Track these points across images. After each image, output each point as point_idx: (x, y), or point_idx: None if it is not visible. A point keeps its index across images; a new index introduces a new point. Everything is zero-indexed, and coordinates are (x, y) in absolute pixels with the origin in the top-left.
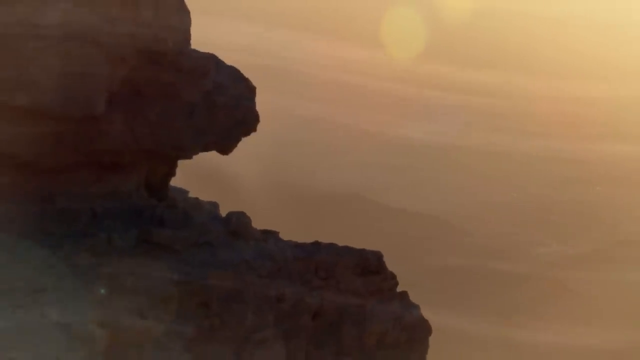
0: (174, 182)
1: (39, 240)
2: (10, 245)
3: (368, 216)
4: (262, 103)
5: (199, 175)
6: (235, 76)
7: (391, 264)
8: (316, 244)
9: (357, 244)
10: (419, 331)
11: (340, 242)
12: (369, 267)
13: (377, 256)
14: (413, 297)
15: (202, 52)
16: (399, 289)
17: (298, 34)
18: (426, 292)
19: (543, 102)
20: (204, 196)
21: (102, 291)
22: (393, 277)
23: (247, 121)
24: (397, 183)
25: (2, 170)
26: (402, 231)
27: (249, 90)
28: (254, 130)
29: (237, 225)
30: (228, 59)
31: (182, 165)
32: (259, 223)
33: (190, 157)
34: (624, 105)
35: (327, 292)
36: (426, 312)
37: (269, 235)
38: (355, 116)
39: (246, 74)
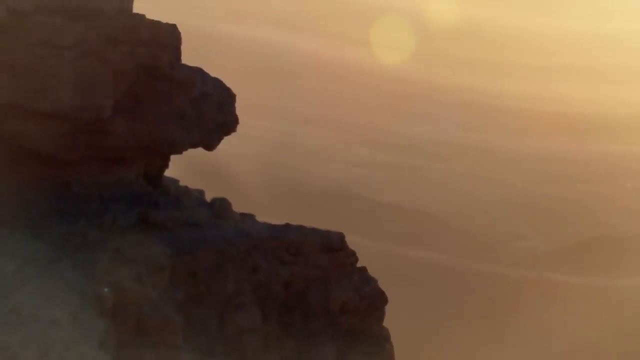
0: (182, 178)
1: (58, 219)
2: (34, 223)
3: (358, 211)
4: (261, 104)
5: (203, 173)
6: (218, 86)
7: (380, 257)
8: (287, 225)
9: (347, 238)
10: (377, 300)
11: None
12: (333, 245)
13: (340, 236)
14: (400, 289)
15: (191, 66)
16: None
17: (294, 37)
18: (412, 283)
19: (527, 103)
20: (208, 191)
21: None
22: (354, 254)
23: (228, 123)
24: (386, 180)
25: (28, 162)
26: (391, 225)
27: (230, 97)
28: (234, 130)
29: (219, 209)
30: (229, 62)
31: (190, 164)
32: (257, 216)
33: (180, 153)
34: (607, 106)
35: (296, 266)
36: (412, 303)
37: (247, 217)
38: (347, 116)
39: (244, 76)
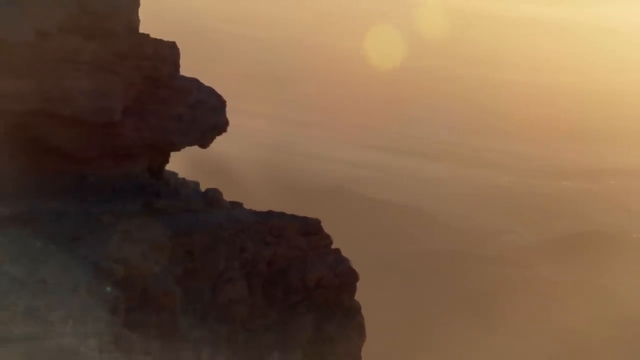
0: (191, 175)
1: (77, 205)
2: (57, 209)
3: (352, 206)
4: (262, 108)
5: (210, 171)
6: (211, 93)
7: (372, 249)
8: (270, 212)
9: (342, 231)
10: (349, 277)
11: (327, 229)
12: (310, 230)
13: (317, 222)
14: (392, 278)
15: (187, 77)
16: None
17: (293, 45)
18: (403, 273)
19: (515, 106)
20: (215, 186)
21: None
22: (329, 237)
23: (219, 125)
24: (379, 178)
25: (52, 159)
26: (382, 219)
27: (221, 103)
28: (225, 131)
29: (212, 198)
30: (233, 68)
31: (198, 163)
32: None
33: (179, 150)
34: (592, 108)
35: (278, 247)
36: (403, 292)
37: (236, 205)
38: (341, 120)
39: (247, 81)
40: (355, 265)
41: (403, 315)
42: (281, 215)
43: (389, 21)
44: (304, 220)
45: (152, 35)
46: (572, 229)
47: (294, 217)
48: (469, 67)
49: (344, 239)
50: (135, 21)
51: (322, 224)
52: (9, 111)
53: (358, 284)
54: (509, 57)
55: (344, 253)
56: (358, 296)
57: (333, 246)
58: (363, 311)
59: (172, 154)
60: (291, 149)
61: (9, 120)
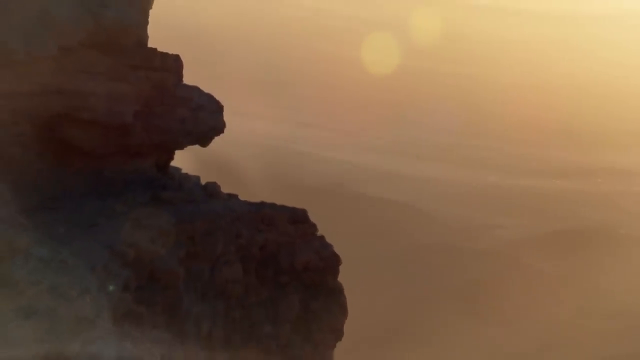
0: (200, 173)
1: (95, 196)
2: (78, 199)
3: (350, 203)
4: (265, 111)
5: (217, 169)
6: (210, 99)
7: (370, 243)
8: (262, 203)
9: (340, 227)
10: (332, 261)
11: (326, 225)
12: (298, 218)
13: (304, 212)
14: (389, 270)
15: (190, 85)
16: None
17: (294, 51)
18: (399, 265)
19: (507, 109)
20: (222, 184)
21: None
22: (314, 226)
23: (217, 127)
24: (374, 176)
25: (74, 156)
26: (378, 215)
27: (219, 107)
28: (222, 132)
29: (211, 190)
30: (238, 75)
31: (206, 162)
32: None
33: (182, 149)
34: (583, 110)
35: (269, 233)
36: (399, 283)
37: (232, 196)
38: (339, 122)
39: (250, 86)
40: (354, 258)
41: (399, 305)
42: (272, 205)
43: (386, 29)
44: (293, 210)
45: (159, 40)
46: (562, 225)
47: (283, 208)
48: (463, 70)
49: (343, 234)
50: (144, 37)
51: (323, 219)
52: (37, 116)
53: (357, 275)
54: (502, 59)
55: (344, 247)
56: (357, 287)
57: (334, 240)
58: (361, 300)
59: (177, 152)
60: (293, 149)
61: (37, 124)
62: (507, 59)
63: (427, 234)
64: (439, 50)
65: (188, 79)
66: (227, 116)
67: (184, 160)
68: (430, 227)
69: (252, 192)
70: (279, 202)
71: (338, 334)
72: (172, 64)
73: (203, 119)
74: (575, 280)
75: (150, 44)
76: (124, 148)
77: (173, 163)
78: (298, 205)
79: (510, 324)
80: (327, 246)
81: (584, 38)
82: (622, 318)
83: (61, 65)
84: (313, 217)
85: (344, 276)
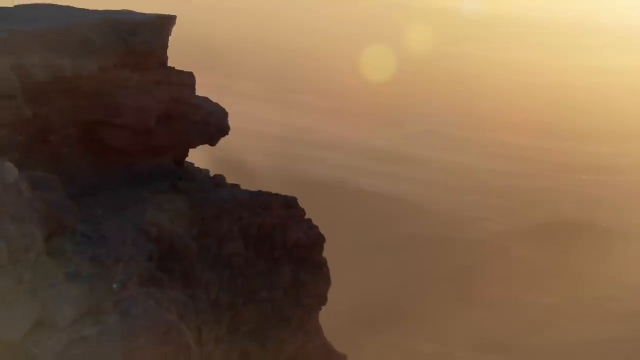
0: (215, 169)
1: (125, 187)
2: (112, 189)
3: (350, 197)
4: (270, 117)
5: (228, 166)
6: (217, 107)
7: (367, 233)
8: (260, 192)
9: (341, 218)
10: (318, 240)
11: (329, 217)
12: (290, 204)
13: (294, 199)
14: (383, 257)
15: (201, 96)
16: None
17: (299, 61)
18: (392, 253)
19: (494, 108)
20: (230, 179)
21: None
22: (303, 210)
23: (223, 129)
24: (372, 173)
25: (109, 154)
26: (376, 208)
27: (225, 114)
28: (227, 134)
29: (219, 181)
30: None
31: (219, 159)
32: None
33: (195, 147)
34: (565, 110)
35: (266, 216)
36: (392, 269)
37: (235, 186)
38: (340, 125)
39: (256, 92)
40: (354, 246)
41: (395, 288)
42: (268, 193)
43: (383, 41)
44: (285, 197)
45: (175, 51)
46: (548, 218)
47: (278, 195)
48: (454, 78)
49: (344, 225)
50: (165, 58)
51: (326, 212)
52: (81, 121)
53: (353, 261)
54: (491, 68)
55: (345, 236)
56: (356, 272)
57: (335, 230)
58: (360, 284)
59: (191, 150)
60: (298, 149)
61: (81, 128)
62: (496, 68)
63: (421, 226)
64: (432, 60)
65: (206, 84)
66: (239, 119)
67: (199, 157)
68: (424, 219)
69: (261, 186)
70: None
71: (322, 300)
72: (187, 79)
73: (212, 123)
74: (559, 269)
75: (171, 55)
76: (149, 147)
77: (188, 159)
78: (303, 198)
79: (498, 308)
80: (313, 227)
81: (568, 46)
82: (604, 304)
83: (100, 81)
84: (317, 210)
85: (345, 262)
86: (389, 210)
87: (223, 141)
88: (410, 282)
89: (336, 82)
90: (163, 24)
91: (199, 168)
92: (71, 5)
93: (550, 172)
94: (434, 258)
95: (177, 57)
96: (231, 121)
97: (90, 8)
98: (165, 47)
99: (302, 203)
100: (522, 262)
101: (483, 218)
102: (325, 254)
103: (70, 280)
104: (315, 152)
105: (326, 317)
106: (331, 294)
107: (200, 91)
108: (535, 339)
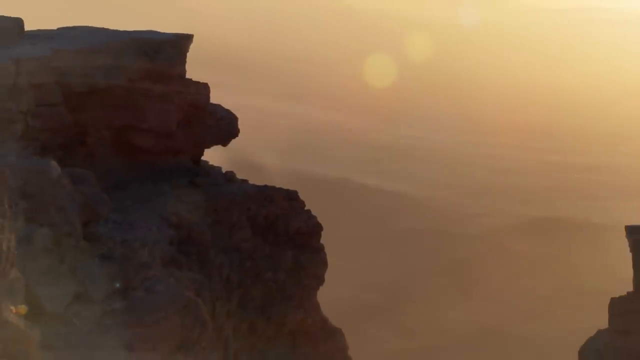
0: (229, 166)
1: (150, 182)
2: (139, 183)
3: (354, 193)
4: (278, 120)
5: (240, 164)
6: (228, 112)
7: (370, 226)
8: (266, 186)
9: (346, 213)
10: (316, 228)
11: (334, 212)
12: (292, 197)
13: (295, 192)
14: (384, 250)
15: (214, 103)
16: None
17: (304, 70)
18: (395, 246)
19: (493, 114)
20: (240, 175)
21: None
22: (303, 202)
23: (234, 132)
24: (375, 170)
25: (136, 153)
26: (379, 203)
27: (234, 118)
28: (237, 136)
29: (230, 176)
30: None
31: (230, 157)
32: None
33: (209, 147)
34: (558, 112)
35: (270, 207)
36: (393, 261)
37: (244, 181)
38: (345, 126)
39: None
40: (358, 239)
41: (396, 278)
42: (273, 187)
43: (384, 49)
44: (287, 191)
45: (190, 60)
46: (542, 214)
47: (281, 189)
48: (453, 84)
49: (348, 219)
50: (184, 71)
51: (332, 207)
52: (112, 126)
53: (356, 253)
54: (488, 73)
55: (349, 229)
56: (360, 262)
57: (340, 224)
58: (364, 273)
59: (206, 150)
60: (305, 148)
61: (112, 131)
62: (491, 73)
63: (421, 220)
64: (430, 66)
65: (223, 90)
66: (250, 122)
67: (213, 156)
68: (423, 214)
69: (270, 182)
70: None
71: (320, 280)
72: (202, 89)
73: (224, 126)
74: (552, 262)
75: (191, 64)
76: (170, 148)
77: (203, 158)
78: (310, 194)
79: (494, 298)
80: (312, 217)
81: (560, 52)
82: (595, 294)
83: (128, 91)
84: (323, 205)
85: (349, 254)
86: (390, 205)
87: (233, 142)
88: (410, 273)
89: (340, 88)
90: (181, 42)
91: (212, 165)
92: (104, 26)
93: (545, 171)
94: (433, 251)
95: (195, 68)
96: (241, 124)
97: (120, 29)
98: (183, 61)
99: (308, 199)
100: (516, 255)
101: (480, 214)
102: (330, 246)
103: (103, 261)
104: (320, 152)
105: (332, 303)
106: (336, 283)
107: (216, 94)
108: (530, 327)
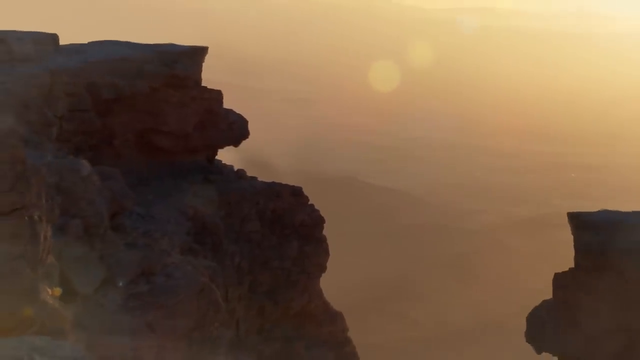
0: (240, 165)
1: (170, 178)
2: (160, 179)
3: (359, 191)
4: (287, 122)
5: (251, 163)
6: (239, 116)
7: (374, 222)
8: (273, 182)
9: (352, 210)
10: (319, 221)
11: (340, 209)
12: (297, 193)
13: (300, 188)
14: (387, 245)
15: (227, 108)
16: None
17: (312, 75)
18: (398, 241)
19: (492, 116)
20: (250, 173)
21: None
22: (307, 198)
23: (244, 134)
24: (379, 170)
25: (157, 152)
26: (382, 201)
27: (245, 122)
28: (247, 137)
29: (240, 174)
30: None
31: (241, 157)
32: None
33: (222, 148)
34: (556, 113)
35: (277, 202)
36: (395, 255)
37: (253, 178)
38: (352, 128)
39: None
40: (363, 234)
41: (398, 271)
42: (279, 184)
43: (389, 56)
44: (293, 187)
45: (210, 66)
46: (537, 211)
47: (287, 185)
48: (453, 88)
49: (354, 216)
50: (199, 79)
51: (338, 204)
52: (136, 129)
53: (361, 247)
54: (486, 77)
55: (354, 225)
56: (364, 256)
57: (346, 220)
58: (367, 266)
59: (219, 150)
60: (314, 149)
61: (136, 133)
62: (490, 77)
63: (423, 216)
64: (433, 71)
65: (236, 96)
66: (262, 124)
67: (226, 155)
68: (425, 211)
69: (279, 180)
70: (304, 189)
71: (322, 268)
72: (216, 95)
73: (235, 129)
74: (547, 257)
75: (211, 70)
76: (187, 148)
77: (217, 157)
78: (317, 192)
79: (492, 290)
80: (315, 211)
81: (558, 55)
82: None
83: (151, 98)
84: (329, 202)
85: (354, 248)
86: (394, 203)
87: (244, 142)
88: (412, 267)
89: (347, 92)
90: (197, 53)
91: (225, 164)
92: (129, 40)
93: (540, 170)
94: (434, 245)
95: (214, 73)
96: (252, 126)
97: (143, 42)
98: (199, 70)
99: (316, 197)
100: (513, 250)
101: (480, 211)
102: (337, 241)
103: (128, 249)
104: (328, 151)
105: (338, 294)
106: (342, 275)
107: (232, 96)
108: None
